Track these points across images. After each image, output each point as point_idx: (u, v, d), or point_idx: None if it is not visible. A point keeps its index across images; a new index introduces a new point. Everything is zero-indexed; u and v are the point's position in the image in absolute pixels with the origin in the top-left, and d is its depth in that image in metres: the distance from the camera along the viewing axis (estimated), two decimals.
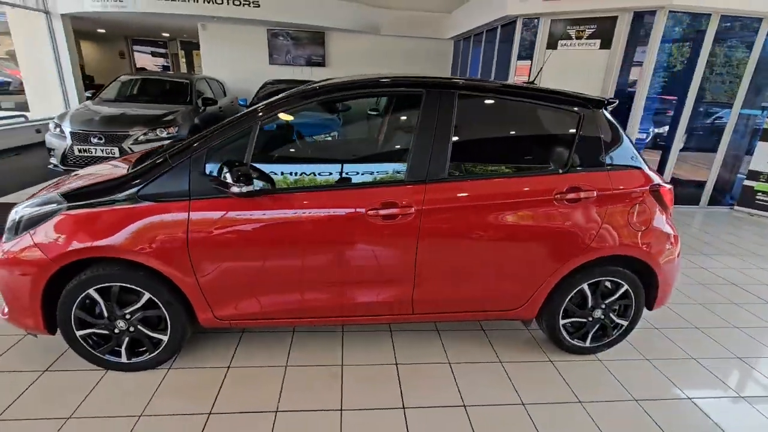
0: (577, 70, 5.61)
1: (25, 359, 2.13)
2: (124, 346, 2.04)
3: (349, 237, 1.96)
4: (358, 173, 2.08)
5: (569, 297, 2.24)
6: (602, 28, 5.33)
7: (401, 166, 2.04)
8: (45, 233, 1.85)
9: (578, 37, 5.53)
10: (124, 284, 1.93)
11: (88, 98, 6.80)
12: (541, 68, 3.21)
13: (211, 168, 1.89)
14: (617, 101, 2.26)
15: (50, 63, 9.16)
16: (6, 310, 1.99)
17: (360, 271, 2.04)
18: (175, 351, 2.11)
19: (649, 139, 6.84)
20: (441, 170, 2.01)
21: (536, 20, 5.79)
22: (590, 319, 2.32)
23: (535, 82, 2.69)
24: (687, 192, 6.00)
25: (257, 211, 1.89)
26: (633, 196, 2.14)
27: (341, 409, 1.93)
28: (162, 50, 16.15)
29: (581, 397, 2.08)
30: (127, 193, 1.87)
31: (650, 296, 2.34)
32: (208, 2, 7.67)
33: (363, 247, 1.99)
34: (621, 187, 2.12)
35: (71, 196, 1.90)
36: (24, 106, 9.97)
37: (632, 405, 2.06)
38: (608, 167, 2.13)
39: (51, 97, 9.35)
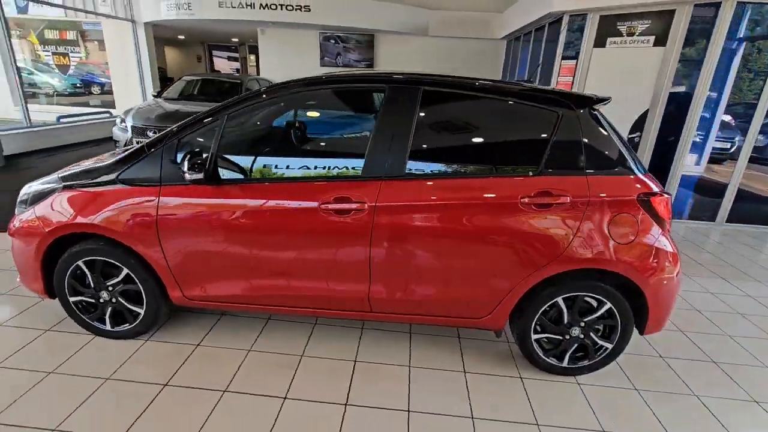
0: (627, 70, 5.12)
1: (33, 320, 2.45)
2: (108, 315, 2.26)
3: (304, 230, 2.00)
4: (317, 167, 2.11)
5: (542, 310, 2.07)
6: (657, 23, 4.82)
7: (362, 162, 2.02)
8: (43, 209, 2.11)
9: (629, 34, 5.05)
10: (106, 259, 2.14)
11: (154, 96, 7.57)
12: (539, 66, 2.99)
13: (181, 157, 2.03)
14: (609, 99, 2.05)
15: (133, 66, 10.35)
16: (19, 274, 2.31)
17: (316, 265, 2.06)
18: (150, 324, 2.29)
19: (733, 148, 6.08)
20: (400, 168, 1.97)
21: (583, 16, 5.39)
22: (567, 336, 2.13)
23: (532, 80, 2.52)
24: (762, 210, 5.22)
25: (218, 199, 2.00)
26: (616, 205, 1.92)
27: (284, 397, 1.97)
28: (235, 54, 17.49)
29: (540, 420, 1.91)
30: (109, 177, 2.08)
31: (642, 319, 2.09)
32: (263, 8, 8.17)
33: (317, 240, 2.01)
34: (601, 194, 1.92)
35: (66, 178, 2.15)
36: (112, 104, 11.36)
37: None
38: (589, 172, 1.94)
39: (133, 95, 10.55)
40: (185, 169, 1.86)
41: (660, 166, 5.02)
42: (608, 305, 2.04)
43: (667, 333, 2.67)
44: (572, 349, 2.15)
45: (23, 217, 2.17)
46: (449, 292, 2.07)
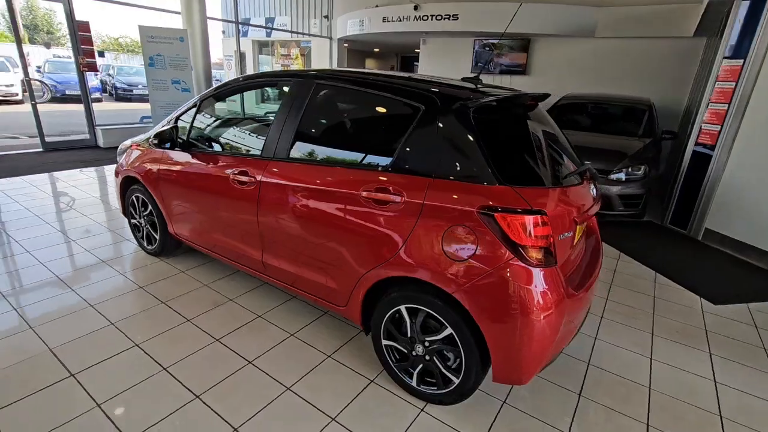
0: None
1: (124, 234, 3.76)
2: (143, 235, 3.31)
3: (223, 193, 2.48)
4: (249, 147, 2.55)
5: (389, 314, 1.97)
6: None
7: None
8: (122, 158, 3.27)
9: None
10: (143, 197, 3.15)
11: None
12: (490, 60, 2.47)
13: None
14: (495, 99, 1.75)
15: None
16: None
17: (229, 224, 2.53)
18: (161, 249, 3.21)
19: None
20: (285, 151, 2.22)
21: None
22: (413, 353, 1.94)
23: (480, 77, 2.28)
24: None
25: (183, 161, 2.70)
26: (454, 215, 1.68)
27: (188, 320, 2.52)
28: None
29: (341, 419, 1.87)
30: (149, 140, 3.05)
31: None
32: (417, 20, 8.83)
33: (230, 204, 2.47)
34: (441, 201, 1.71)
35: (135, 139, 3.26)
36: None
37: None
38: (436, 174, 1.75)
39: None
40: (151, 138, 2.63)
41: None
42: (449, 330, 1.78)
43: (626, 423, 1.98)
44: (418, 370, 1.95)
45: (118, 163, 3.41)
46: (309, 271, 2.20)
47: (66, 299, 2.66)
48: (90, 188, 5.06)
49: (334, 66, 12.53)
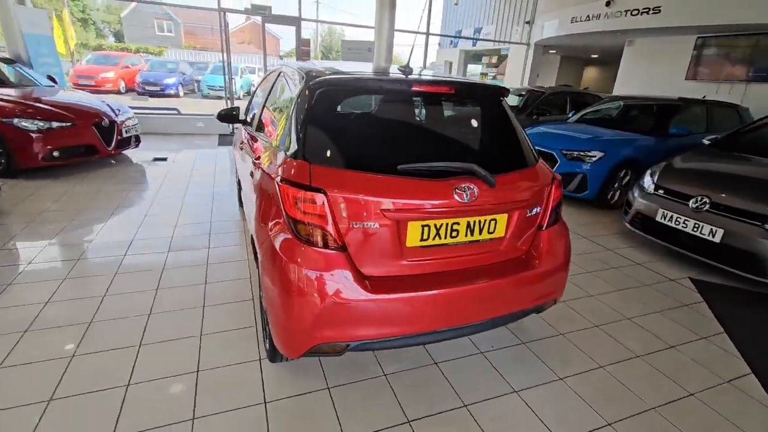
0: None
1: None
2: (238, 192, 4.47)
3: (252, 152, 3.20)
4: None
5: None
6: None
7: None
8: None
9: None
10: None
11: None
12: (411, 50, 1.97)
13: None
14: (324, 81, 1.79)
15: (519, 76, 12.29)
16: None
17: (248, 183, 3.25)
18: (240, 202, 4.27)
19: None
20: (259, 126, 2.77)
21: None
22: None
23: (409, 65, 2.21)
24: None
25: (245, 133, 3.60)
26: (271, 183, 1.86)
27: (208, 248, 3.42)
28: None
29: (204, 334, 2.30)
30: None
31: None
32: (607, 18, 7.46)
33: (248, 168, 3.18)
34: (269, 171, 1.92)
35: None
36: None
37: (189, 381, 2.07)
38: (281, 147, 1.95)
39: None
40: (219, 114, 3.60)
41: None
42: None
43: None
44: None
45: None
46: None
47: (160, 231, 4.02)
48: None
49: (526, 74, 11.92)
